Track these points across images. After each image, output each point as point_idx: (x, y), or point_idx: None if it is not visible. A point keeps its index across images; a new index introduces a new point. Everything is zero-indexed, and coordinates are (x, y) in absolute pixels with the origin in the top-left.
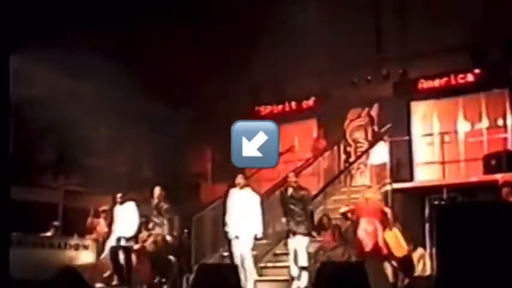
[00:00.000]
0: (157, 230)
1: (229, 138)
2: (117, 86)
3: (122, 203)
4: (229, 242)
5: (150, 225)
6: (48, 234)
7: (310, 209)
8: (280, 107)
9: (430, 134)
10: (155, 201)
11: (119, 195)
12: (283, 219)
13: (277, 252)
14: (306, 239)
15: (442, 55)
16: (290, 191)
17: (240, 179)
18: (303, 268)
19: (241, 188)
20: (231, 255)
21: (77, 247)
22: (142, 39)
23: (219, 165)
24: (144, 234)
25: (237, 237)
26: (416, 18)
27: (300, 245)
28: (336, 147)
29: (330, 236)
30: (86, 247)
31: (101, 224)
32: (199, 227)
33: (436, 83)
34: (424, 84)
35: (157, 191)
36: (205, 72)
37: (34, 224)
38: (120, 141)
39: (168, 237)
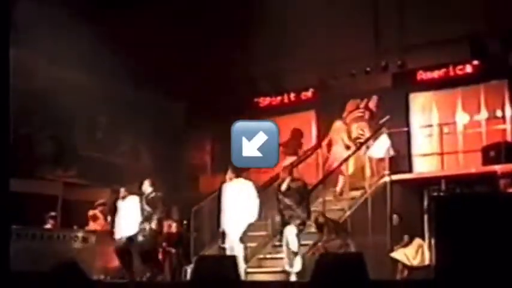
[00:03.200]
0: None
1: (228, 129)
2: (116, 76)
3: (124, 198)
4: (223, 235)
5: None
6: (48, 226)
7: (306, 202)
8: (278, 98)
9: (429, 125)
10: (147, 193)
11: (122, 189)
12: (277, 218)
13: (276, 243)
14: (295, 228)
15: (440, 46)
16: (284, 186)
17: (229, 173)
18: (295, 254)
19: (232, 180)
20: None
21: (76, 239)
22: (140, 28)
23: (218, 157)
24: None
25: (229, 229)
26: (415, 9)
27: (290, 231)
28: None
29: (327, 233)
30: (85, 239)
31: (99, 217)
32: (199, 219)
33: (435, 74)
34: (423, 75)
35: (146, 183)
36: (205, 63)
37: (33, 216)
38: (119, 133)
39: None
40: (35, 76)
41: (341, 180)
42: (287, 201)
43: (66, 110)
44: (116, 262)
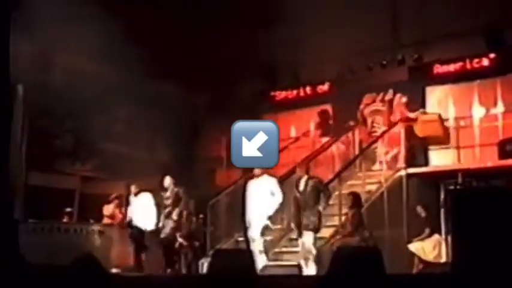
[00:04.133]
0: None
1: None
2: (134, 69)
3: (136, 194)
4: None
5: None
6: (64, 220)
7: (325, 199)
8: (295, 91)
9: (445, 119)
10: (170, 189)
11: (133, 187)
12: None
13: (293, 237)
14: (312, 234)
15: (457, 39)
16: (302, 185)
17: (257, 170)
18: (311, 257)
19: (258, 177)
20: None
21: (92, 232)
22: (159, 19)
23: None
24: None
25: (252, 220)
26: (431, 3)
27: (307, 236)
28: (350, 132)
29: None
30: (101, 232)
31: (114, 210)
32: (215, 212)
33: (451, 67)
34: (439, 68)
35: (167, 180)
36: (223, 56)
37: (50, 210)
38: (137, 126)
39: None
40: (52, 69)
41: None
42: (304, 200)
43: (84, 104)
44: (131, 256)
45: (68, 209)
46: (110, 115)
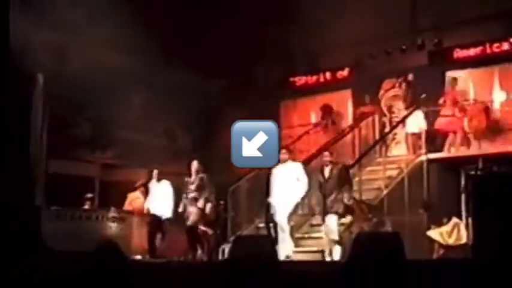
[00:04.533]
0: (200, 204)
1: (265, 109)
2: (152, 56)
3: (159, 180)
4: (268, 214)
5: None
6: (85, 207)
7: (348, 184)
8: (314, 77)
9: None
10: (196, 174)
11: (155, 171)
12: (316, 199)
13: (314, 223)
14: (335, 217)
15: (477, 24)
16: (327, 171)
17: (283, 154)
18: (335, 242)
19: (285, 162)
20: (273, 228)
21: (113, 220)
22: (175, 5)
23: None
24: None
25: (276, 206)
26: None
27: (331, 220)
28: (370, 118)
29: (360, 214)
30: (122, 219)
31: (140, 197)
32: (235, 198)
33: (472, 52)
34: (459, 53)
35: (195, 165)
36: (241, 41)
37: (71, 197)
38: (156, 114)
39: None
40: (71, 58)
41: None
42: (329, 186)
43: (102, 92)
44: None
45: (89, 195)
46: (128, 103)
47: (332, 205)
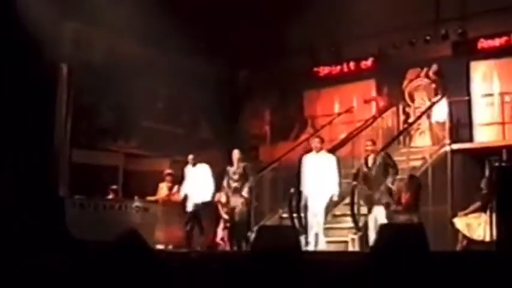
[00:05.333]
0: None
1: (288, 99)
2: (175, 46)
3: (194, 164)
4: (292, 205)
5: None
6: (109, 197)
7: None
8: (338, 67)
9: (490, 94)
10: (237, 163)
11: (190, 156)
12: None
13: (337, 213)
14: (384, 209)
15: (501, 14)
16: (370, 159)
17: (317, 143)
18: None
19: (318, 151)
20: (297, 219)
21: (137, 209)
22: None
23: (278, 127)
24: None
25: (312, 196)
26: None
27: (379, 213)
28: (394, 108)
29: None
30: (146, 209)
31: (164, 188)
32: (259, 189)
33: (496, 42)
34: (484, 43)
35: (236, 154)
36: (264, 31)
37: (95, 187)
38: (179, 103)
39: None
40: (95, 48)
41: None
42: (375, 175)
43: (126, 81)
44: (177, 231)
45: (114, 186)
46: (151, 92)
47: (379, 195)
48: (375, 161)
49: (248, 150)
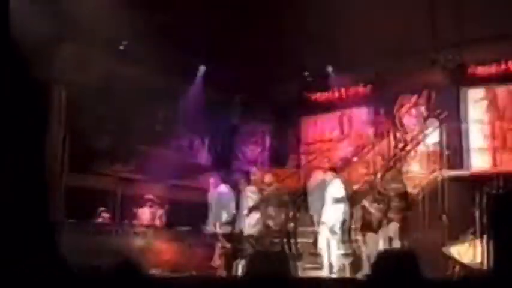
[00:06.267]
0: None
1: (282, 124)
2: (173, 70)
3: (216, 186)
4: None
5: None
6: (99, 220)
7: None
8: (336, 93)
9: (483, 121)
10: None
11: (212, 179)
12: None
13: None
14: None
15: (495, 41)
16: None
17: (330, 176)
18: None
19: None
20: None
21: (133, 233)
22: (195, 19)
23: (273, 150)
24: None
25: (323, 223)
26: (471, 3)
27: (394, 233)
28: (388, 134)
29: None
30: (141, 233)
31: (146, 212)
32: None
33: (492, 69)
34: (478, 70)
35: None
36: (259, 55)
37: (90, 211)
38: (176, 128)
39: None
40: (91, 70)
41: None
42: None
43: (123, 104)
44: (170, 255)
45: (102, 209)
46: (148, 116)
47: (395, 215)
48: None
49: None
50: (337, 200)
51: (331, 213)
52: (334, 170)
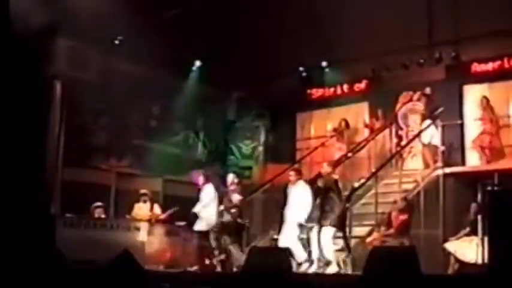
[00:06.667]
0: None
1: (281, 120)
2: (169, 66)
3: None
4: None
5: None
6: (96, 216)
7: (342, 201)
8: (331, 89)
9: (483, 118)
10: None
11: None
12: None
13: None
14: (332, 230)
15: (495, 38)
16: (320, 182)
17: (292, 176)
18: (328, 263)
19: (294, 183)
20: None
21: (128, 228)
22: (193, 18)
23: (271, 147)
24: None
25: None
26: (469, 0)
27: (326, 236)
28: (387, 131)
29: (395, 230)
30: (137, 228)
31: (143, 208)
32: (251, 210)
33: (489, 66)
34: (477, 67)
35: (231, 178)
36: (258, 52)
37: (87, 205)
38: (173, 123)
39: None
40: (88, 66)
41: None
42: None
43: (119, 100)
44: (168, 252)
45: (98, 203)
46: (144, 112)
47: (324, 221)
48: (323, 185)
49: (241, 170)
50: (301, 201)
51: (296, 213)
52: (298, 171)
